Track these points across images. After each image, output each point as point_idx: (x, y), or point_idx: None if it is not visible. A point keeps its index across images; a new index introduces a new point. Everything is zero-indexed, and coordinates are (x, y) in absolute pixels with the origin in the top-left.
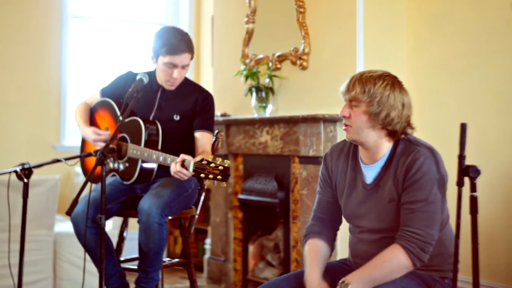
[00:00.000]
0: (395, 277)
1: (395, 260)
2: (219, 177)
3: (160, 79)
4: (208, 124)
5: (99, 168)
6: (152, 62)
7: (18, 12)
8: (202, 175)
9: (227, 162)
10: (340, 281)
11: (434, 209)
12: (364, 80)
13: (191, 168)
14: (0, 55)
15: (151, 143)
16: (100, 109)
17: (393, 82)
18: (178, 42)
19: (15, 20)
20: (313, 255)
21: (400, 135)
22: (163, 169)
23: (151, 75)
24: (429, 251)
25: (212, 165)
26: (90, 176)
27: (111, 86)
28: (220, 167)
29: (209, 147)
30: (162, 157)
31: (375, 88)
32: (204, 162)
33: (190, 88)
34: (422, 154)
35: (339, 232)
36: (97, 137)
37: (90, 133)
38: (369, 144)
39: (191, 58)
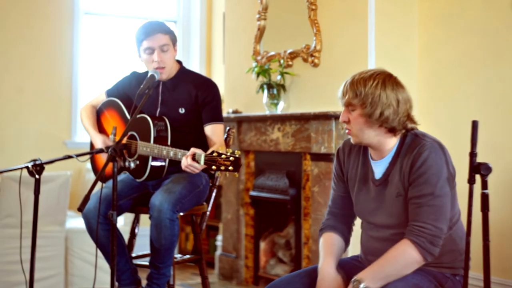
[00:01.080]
0: (407, 273)
1: (405, 255)
2: (230, 168)
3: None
4: (215, 115)
5: (110, 166)
6: (140, 61)
7: (30, 8)
8: (214, 167)
9: (237, 153)
10: (352, 280)
11: (441, 203)
12: (355, 83)
13: (202, 161)
14: (11, 51)
15: (160, 139)
16: (106, 109)
17: (384, 80)
18: (149, 27)
19: (26, 17)
20: (327, 248)
21: (401, 130)
22: (174, 165)
23: None
24: (439, 245)
25: (223, 156)
26: (102, 172)
27: (116, 86)
28: (231, 158)
29: (221, 138)
30: (172, 152)
31: (365, 90)
32: (214, 154)
33: (189, 78)
34: (427, 148)
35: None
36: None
37: (99, 142)
38: (374, 144)
39: (171, 40)
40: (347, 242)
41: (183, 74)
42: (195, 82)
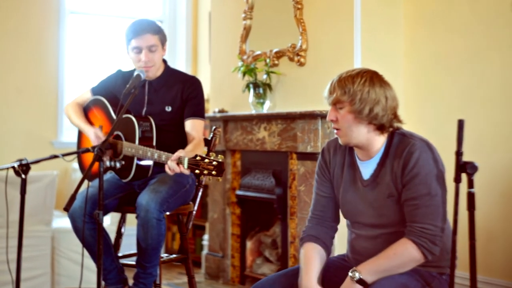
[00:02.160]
0: (404, 270)
1: (407, 254)
2: (213, 172)
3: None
4: (197, 110)
5: (96, 164)
6: (128, 58)
7: (15, 7)
8: (197, 171)
9: (221, 157)
10: (351, 270)
11: (438, 202)
12: (343, 81)
13: (185, 165)
14: None
15: (145, 140)
16: (93, 107)
17: (372, 77)
18: (139, 27)
19: (12, 16)
20: (309, 261)
21: (388, 128)
22: (160, 165)
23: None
24: (440, 244)
25: (206, 160)
26: (88, 172)
27: (102, 84)
28: (214, 163)
29: (200, 134)
30: (156, 154)
31: (354, 87)
32: (198, 158)
33: (175, 77)
34: (417, 148)
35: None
36: (97, 140)
37: (92, 134)
38: (362, 143)
39: (160, 40)
40: (328, 251)
41: (169, 73)
42: (181, 80)
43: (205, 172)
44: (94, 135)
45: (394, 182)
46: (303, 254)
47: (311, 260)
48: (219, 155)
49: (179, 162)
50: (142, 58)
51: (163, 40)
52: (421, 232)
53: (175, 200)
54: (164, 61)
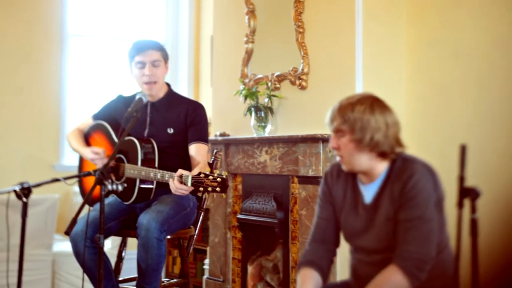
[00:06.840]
0: None
1: (392, 280)
2: (218, 189)
3: (143, 90)
4: (201, 135)
5: (97, 189)
6: (132, 77)
7: (17, 30)
8: (201, 188)
9: (224, 173)
10: None
11: (429, 227)
12: (343, 109)
13: (189, 183)
14: None
15: (147, 162)
16: (94, 132)
17: (372, 104)
18: (142, 43)
19: (14, 39)
20: (304, 284)
21: (391, 154)
22: (162, 188)
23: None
24: (426, 270)
25: (210, 177)
26: (89, 195)
27: (103, 110)
28: (218, 179)
29: (204, 158)
30: (159, 174)
31: (354, 115)
32: (201, 175)
33: (178, 100)
34: (417, 172)
35: (339, 254)
36: (95, 156)
37: (88, 153)
38: (365, 169)
39: (163, 57)
40: (325, 277)
41: (172, 95)
42: (184, 104)
43: (209, 189)
44: (91, 152)
45: (392, 204)
46: (298, 280)
47: (306, 284)
48: (223, 172)
49: (182, 180)
50: (146, 72)
51: (165, 57)
52: (406, 256)
53: (176, 221)
54: (168, 84)
